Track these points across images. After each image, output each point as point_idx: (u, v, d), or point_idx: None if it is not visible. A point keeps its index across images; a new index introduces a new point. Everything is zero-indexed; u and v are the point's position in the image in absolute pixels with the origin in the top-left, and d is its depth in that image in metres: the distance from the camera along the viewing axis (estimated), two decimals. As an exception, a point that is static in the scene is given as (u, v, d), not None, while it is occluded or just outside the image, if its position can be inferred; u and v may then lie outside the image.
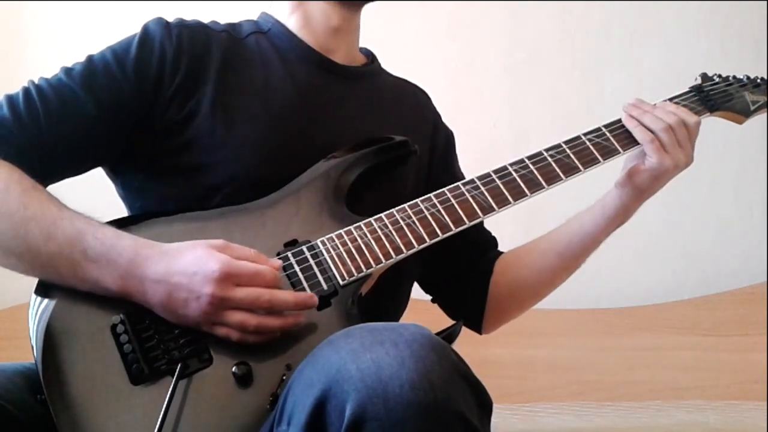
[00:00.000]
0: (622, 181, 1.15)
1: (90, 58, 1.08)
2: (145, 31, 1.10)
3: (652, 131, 1.11)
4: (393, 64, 1.31)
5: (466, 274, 1.25)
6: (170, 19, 1.13)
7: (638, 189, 1.14)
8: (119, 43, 1.10)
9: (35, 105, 1.03)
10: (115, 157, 1.11)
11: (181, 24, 1.12)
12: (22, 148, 1.01)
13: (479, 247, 1.26)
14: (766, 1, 2.32)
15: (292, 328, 0.94)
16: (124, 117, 1.06)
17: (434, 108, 1.32)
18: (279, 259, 0.99)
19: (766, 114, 1.26)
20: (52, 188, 1.04)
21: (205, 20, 1.18)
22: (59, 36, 2.24)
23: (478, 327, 1.28)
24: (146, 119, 1.06)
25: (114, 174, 1.15)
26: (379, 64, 1.28)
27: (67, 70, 1.07)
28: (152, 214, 1.04)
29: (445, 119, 1.33)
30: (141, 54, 1.07)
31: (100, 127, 1.05)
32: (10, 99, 1.04)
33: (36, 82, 1.06)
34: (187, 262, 0.91)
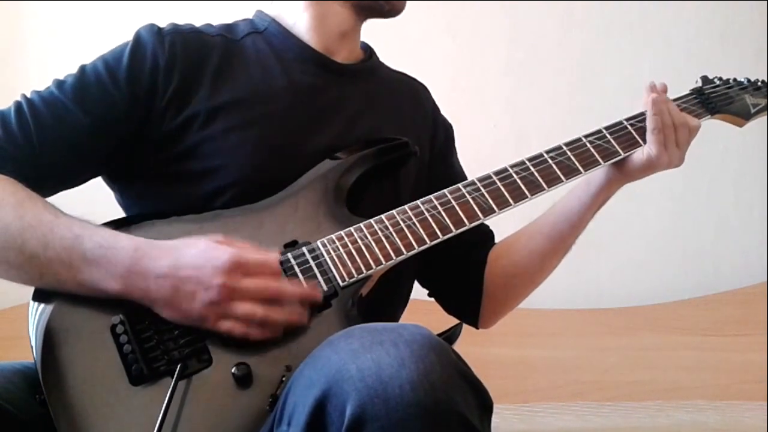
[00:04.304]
0: (620, 163, 1.15)
1: (82, 70, 1.08)
2: (137, 39, 1.09)
3: (662, 124, 1.12)
4: (393, 63, 1.31)
5: (461, 268, 1.25)
6: (164, 23, 1.12)
7: (625, 174, 1.15)
8: (111, 53, 1.09)
9: (27, 121, 1.03)
10: (112, 168, 1.11)
11: (174, 31, 1.11)
12: (15, 164, 1.01)
13: (475, 241, 1.25)
14: (766, 1, 2.32)
15: (296, 324, 0.93)
16: (118, 129, 1.06)
17: (433, 101, 1.32)
18: (279, 260, 0.99)
19: (766, 116, 1.26)
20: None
21: (202, 21, 1.18)
22: (59, 35, 2.23)
23: (475, 321, 1.27)
24: (141, 130, 1.06)
25: (112, 182, 1.14)
26: (378, 59, 1.28)
27: (59, 84, 1.07)
28: (150, 215, 1.03)
29: (445, 119, 1.33)
30: (133, 64, 1.06)
31: (93, 141, 1.05)
32: (2, 115, 1.04)
33: (28, 96, 1.06)
34: (194, 255, 0.91)
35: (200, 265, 0.90)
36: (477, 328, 1.28)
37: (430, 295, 1.30)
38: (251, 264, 0.92)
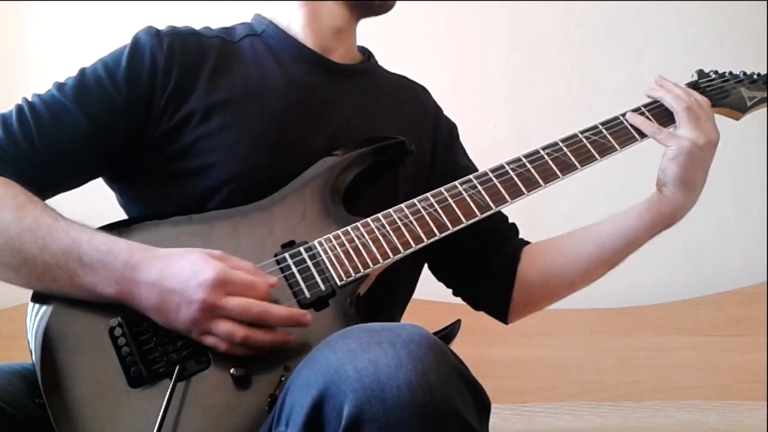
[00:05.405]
0: (659, 181, 1.14)
1: (82, 72, 1.09)
2: (136, 41, 1.10)
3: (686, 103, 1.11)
4: (393, 63, 1.31)
5: (489, 264, 1.23)
6: (162, 26, 1.13)
7: (678, 179, 1.13)
8: (110, 55, 1.10)
9: (28, 123, 1.03)
10: (112, 169, 1.11)
11: (173, 32, 1.12)
12: (17, 166, 1.01)
13: (500, 236, 1.25)
14: (766, 1, 2.32)
15: (280, 345, 0.92)
16: (118, 129, 1.06)
17: (435, 102, 1.32)
18: (276, 260, 0.99)
19: (765, 111, 1.26)
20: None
21: (201, 24, 1.18)
22: (60, 35, 2.24)
23: (504, 317, 1.26)
24: (140, 130, 1.06)
25: (112, 182, 1.15)
26: (376, 61, 1.28)
27: (60, 86, 1.07)
28: (150, 216, 1.04)
29: (445, 118, 1.33)
30: (131, 65, 1.07)
31: (94, 141, 1.06)
32: (3, 118, 1.05)
33: (29, 99, 1.07)
34: (182, 268, 0.91)
35: (186, 279, 0.90)
36: (506, 323, 1.27)
37: (455, 294, 1.29)
38: (237, 283, 0.91)
